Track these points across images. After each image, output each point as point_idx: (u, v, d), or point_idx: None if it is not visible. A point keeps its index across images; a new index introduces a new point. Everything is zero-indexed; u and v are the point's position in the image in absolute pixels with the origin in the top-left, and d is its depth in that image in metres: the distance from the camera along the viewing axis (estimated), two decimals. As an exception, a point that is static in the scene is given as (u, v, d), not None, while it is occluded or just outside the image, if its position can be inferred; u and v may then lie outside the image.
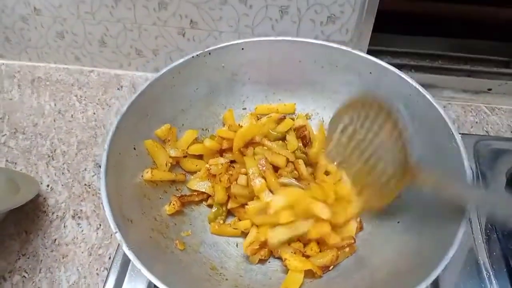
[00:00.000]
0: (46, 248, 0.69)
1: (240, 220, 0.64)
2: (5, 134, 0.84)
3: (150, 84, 0.62)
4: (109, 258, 0.67)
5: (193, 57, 0.66)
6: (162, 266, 0.53)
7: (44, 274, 0.66)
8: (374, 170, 0.60)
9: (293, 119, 0.73)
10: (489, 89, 0.89)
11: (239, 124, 0.71)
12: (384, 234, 0.60)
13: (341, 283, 0.57)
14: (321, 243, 0.60)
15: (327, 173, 0.65)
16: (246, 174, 0.64)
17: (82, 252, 0.68)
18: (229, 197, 0.65)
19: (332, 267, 0.59)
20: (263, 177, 0.63)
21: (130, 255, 0.48)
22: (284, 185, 0.63)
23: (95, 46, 0.91)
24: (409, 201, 0.58)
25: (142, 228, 0.57)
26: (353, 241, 0.60)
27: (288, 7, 0.80)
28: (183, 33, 0.86)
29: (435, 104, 0.59)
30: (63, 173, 0.78)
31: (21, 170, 0.78)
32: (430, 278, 0.46)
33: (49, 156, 0.80)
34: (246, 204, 0.62)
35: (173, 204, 0.62)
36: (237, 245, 0.64)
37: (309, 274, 0.58)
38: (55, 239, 0.70)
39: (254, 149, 0.68)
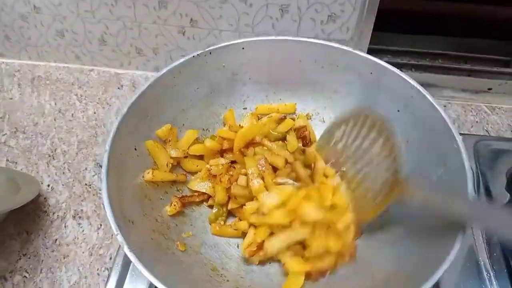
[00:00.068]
0: (47, 248, 0.69)
1: (240, 221, 0.64)
2: (6, 134, 0.84)
3: (151, 84, 0.62)
4: (110, 258, 0.67)
5: (193, 56, 0.66)
6: (163, 267, 0.53)
7: (45, 274, 0.66)
8: (363, 183, 0.60)
9: (293, 119, 0.73)
10: (489, 89, 0.89)
11: (239, 125, 0.71)
12: (384, 241, 0.60)
13: (342, 285, 0.57)
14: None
15: (326, 175, 0.65)
16: (246, 174, 0.64)
17: (83, 252, 0.68)
18: (229, 197, 0.65)
19: (329, 272, 0.58)
20: (262, 178, 0.63)
21: (132, 257, 0.48)
22: (279, 184, 0.63)
23: (95, 44, 0.91)
24: (407, 212, 0.58)
25: (143, 229, 0.57)
26: (353, 249, 0.59)
27: (288, 6, 0.80)
28: (183, 32, 0.86)
29: (435, 105, 0.59)
30: (63, 173, 0.78)
31: (21, 169, 0.78)
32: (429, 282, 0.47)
33: (49, 156, 0.80)
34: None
35: (174, 205, 0.62)
36: (238, 246, 0.64)
37: (309, 276, 0.58)
38: (56, 239, 0.70)
39: (254, 149, 0.68)
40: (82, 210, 0.73)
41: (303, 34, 0.84)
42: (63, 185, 0.76)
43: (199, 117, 0.71)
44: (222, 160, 0.68)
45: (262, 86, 0.73)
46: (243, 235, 0.63)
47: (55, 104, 0.89)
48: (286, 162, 0.66)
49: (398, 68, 0.64)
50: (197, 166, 0.68)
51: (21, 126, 0.85)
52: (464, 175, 0.53)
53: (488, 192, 0.72)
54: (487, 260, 0.64)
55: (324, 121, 0.73)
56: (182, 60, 0.65)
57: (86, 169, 0.78)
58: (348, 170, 0.63)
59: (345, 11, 0.79)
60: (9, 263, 0.67)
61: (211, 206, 0.66)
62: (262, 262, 0.61)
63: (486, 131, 0.85)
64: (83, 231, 0.71)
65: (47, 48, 0.93)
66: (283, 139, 0.71)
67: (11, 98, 0.90)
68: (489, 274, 0.63)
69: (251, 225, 0.62)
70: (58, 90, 0.92)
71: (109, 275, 0.63)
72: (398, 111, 0.65)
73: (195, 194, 0.66)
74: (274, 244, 0.58)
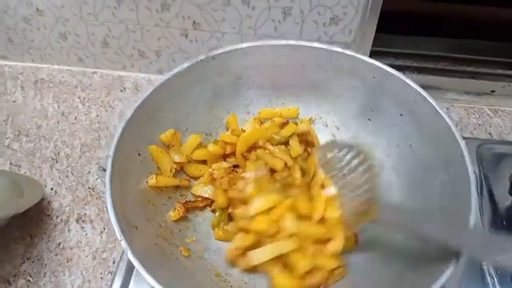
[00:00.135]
0: (50, 252, 0.69)
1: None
2: (9, 137, 0.84)
3: (155, 89, 0.62)
4: (113, 262, 0.68)
5: (197, 61, 0.66)
6: (167, 273, 0.53)
7: (48, 278, 0.66)
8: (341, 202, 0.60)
9: (296, 124, 0.73)
10: (492, 91, 0.89)
11: (242, 129, 0.71)
12: (379, 257, 0.60)
13: None
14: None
15: (323, 186, 0.63)
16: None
17: (86, 256, 0.69)
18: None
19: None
20: (258, 183, 0.62)
21: (135, 263, 0.49)
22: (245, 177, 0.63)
23: (98, 47, 0.91)
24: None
25: (147, 234, 0.57)
26: (343, 265, 0.59)
27: (291, 9, 0.80)
28: (186, 34, 0.86)
29: (439, 109, 0.59)
30: (67, 176, 0.78)
31: (25, 173, 0.78)
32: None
33: (53, 159, 0.80)
34: None
35: (178, 210, 0.62)
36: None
37: None
38: (59, 243, 0.70)
39: (256, 152, 0.68)
40: (85, 213, 0.73)
41: (305, 37, 0.84)
42: (66, 188, 0.76)
43: (203, 122, 0.71)
44: (224, 164, 0.68)
45: (265, 91, 0.73)
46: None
47: (58, 107, 0.89)
48: (285, 166, 0.65)
49: (400, 71, 0.64)
50: (200, 171, 0.68)
51: (24, 129, 0.85)
52: (467, 180, 0.53)
53: (491, 196, 0.72)
54: (491, 265, 0.64)
55: (327, 126, 0.73)
56: (185, 65, 0.65)
57: (89, 172, 0.79)
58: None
59: (348, 14, 0.79)
60: (13, 267, 0.67)
61: (214, 211, 0.66)
62: (249, 271, 0.60)
63: (489, 133, 0.85)
64: (86, 234, 0.71)
65: (50, 50, 0.93)
66: (286, 143, 0.71)
67: (14, 101, 0.90)
68: (493, 279, 0.63)
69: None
70: (61, 92, 0.92)
71: (112, 280, 0.64)
72: (401, 115, 0.65)
73: (198, 199, 0.66)
74: (258, 255, 0.57)
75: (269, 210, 0.58)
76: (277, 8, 0.80)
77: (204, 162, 0.69)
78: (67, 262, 0.68)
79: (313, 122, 0.74)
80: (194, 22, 0.84)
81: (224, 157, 0.70)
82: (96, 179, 0.78)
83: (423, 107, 0.61)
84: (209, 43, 0.87)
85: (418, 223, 0.52)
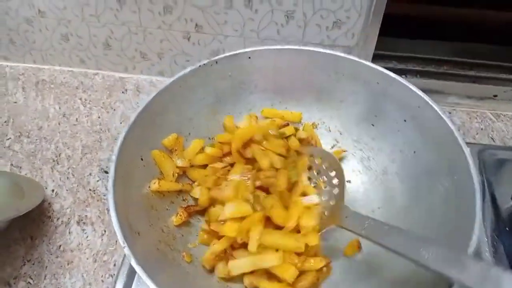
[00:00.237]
0: (51, 254, 0.69)
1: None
2: (10, 138, 0.83)
3: (158, 93, 0.62)
4: (114, 265, 0.67)
5: (200, 66, 0.65)
6: (169, 279, 0.53)
7: (49, 280, 0.66)
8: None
9: (298, 129, 0.72)
10: (495, 95, 0.89)
11: (236, 126, 0.71)
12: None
13: None
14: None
15: (304, 194, 0.63)
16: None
17: (87, 259, 0.68)
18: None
19: None
20: (236, 188, 0.62)
21: (138, 269, 0.48)
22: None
23: (99, 49, 0.91)
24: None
25: (150, 240, 0.57)
26: (328, 262, 0.59)
27: (293, 12, 0.79)
28: (188, 37, 0.86)
29: (442, 115, 0.59)
30: (68, 178, 0.78)
31: (26, 174, 0.78)
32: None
33: (53, 161, 0.80)
34: None
35: (180, 215, 0.62)
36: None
37: None
38: (60, 245, 0.70)
39: (251, 146, 0.67)
40: (86, 216, 0.73)
41: (308, 40, 0.84)
42: (67, 190, 0.76)
43: (205, 126, 0.71)
44: (220, 164, 0.68)
45: (268, 95, 0.73)
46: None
47: (60, 108, 0.89)
48: (271, 166, 0.65)
49: (403, 74, 0.64)
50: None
51: (25, 130, 0.85)
52: (471, 187, 0.53)
53: (493, 201, 0.72)
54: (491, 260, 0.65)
55: (330, 130, 0.73)
56: (188, 69, 0.65)
57: (90, 174, 0.78)
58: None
59: (351, 18, 0.79)
60: (13, 269, 0.67)
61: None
62: (229, 280, 0.59)
63: (491, 138, 0.85)
64: (87, 237, 0.71)
65: (51, 52, 0.93)
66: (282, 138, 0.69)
67: (15, 102, 0.90)
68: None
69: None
70: (63, 94, 0.92)
71: (115, 283, 0.63)
72: (405, 121, 0.65)
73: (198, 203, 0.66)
74: (238, 266, 0.56)
75: (241, 218, 0.59)
76: (280, 12, 0.80)
77: (206, 166, 0.69)
78: (68, 264, 0.68)
79: (316, 127, 0.74)
80: (196, 24, 0.84)
81: (223, 158, 0.69)
82: (97, 181, 0.77)
83: (426, 112, 0.61)
84: (211, 45, 0.87)
85: (414, 245, 0.47)
